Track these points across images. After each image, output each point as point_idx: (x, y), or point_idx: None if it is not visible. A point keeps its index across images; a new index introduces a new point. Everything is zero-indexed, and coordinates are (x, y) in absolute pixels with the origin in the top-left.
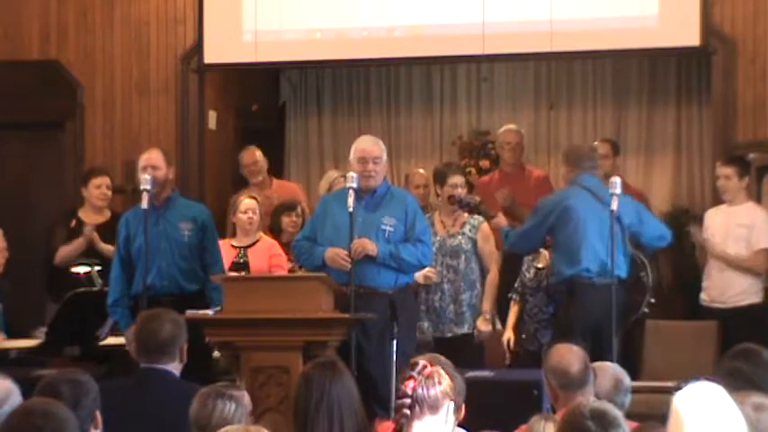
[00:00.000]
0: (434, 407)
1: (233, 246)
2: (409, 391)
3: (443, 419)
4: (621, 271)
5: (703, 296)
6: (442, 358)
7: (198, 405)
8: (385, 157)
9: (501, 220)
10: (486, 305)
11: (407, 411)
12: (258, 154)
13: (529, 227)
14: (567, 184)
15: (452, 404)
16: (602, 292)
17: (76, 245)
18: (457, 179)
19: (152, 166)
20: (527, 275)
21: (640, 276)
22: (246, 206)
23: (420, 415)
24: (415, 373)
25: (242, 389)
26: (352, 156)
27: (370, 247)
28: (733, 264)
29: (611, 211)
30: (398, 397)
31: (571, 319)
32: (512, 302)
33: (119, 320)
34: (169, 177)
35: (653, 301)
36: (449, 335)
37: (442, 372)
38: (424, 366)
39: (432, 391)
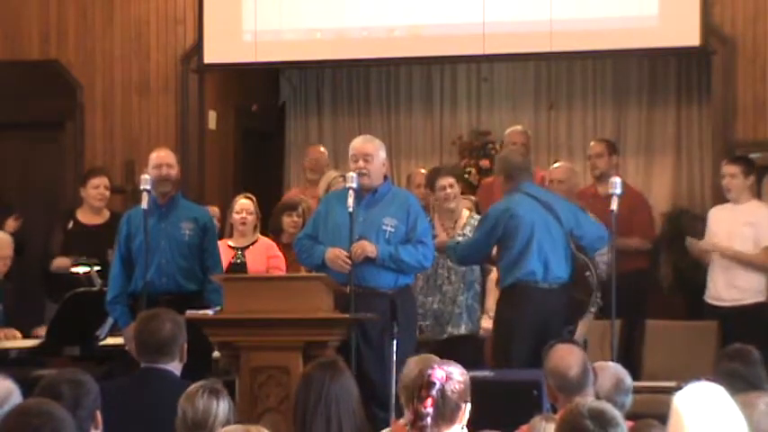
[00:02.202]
0: (452, 419)
1: (230, 246)
2: (428, 410)
3: (460, 427)
4: (564, 273)
5: (707, 294)
6: (436, 358)
7: (192, 403)
8: (381, 154)
9: (442, 237)
10: (489, 304)
11: (426, 427)
12: (323, 151)
13: (477, 238)
14: (505, 194)
15: (469, 406)
16: (547, 295)
17: (69, 262)
18: (444, 181)
19: (167, 164)
20: None
21: (585, 276)
22: (241, 206)
23: (438, 429)
24: (433, 393)
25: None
26: (349, 156)
27: (369, 249)
28: (741, 260)
29: (612, 210)
30: (417, 416)
31: (515, 324)
32: None
33: (117, 318)
34: (179, 177)
35: (600, 300)
36: (444, 336)
37: (455, 376)
38: (440, 380)
39: (449, 405)
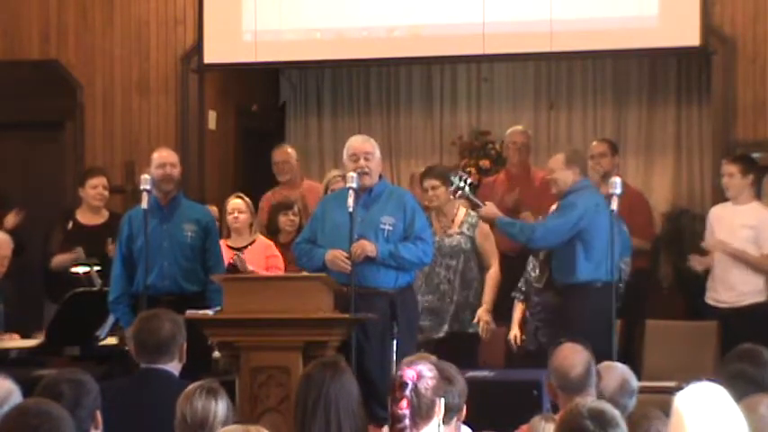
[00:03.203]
0: (429, 415)
1: (229, 247)
2: (405, 411)
3: (437, 422)
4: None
5: (708, 295)
6: (433, 358)
7: (191, 404)
8: (378, 153)
9: (491, 209)
10: (487, 298)
11: (405, 428)
12: (290, 152)
13: (560, 223)
14: (568, 185)
15: (443, 400)
16: (610, 294)
17: (68, 258)
18: (427, 183)
19: (170, 163)
20: (533, 275)
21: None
22: (233, 207)
23: (417, 427)
24: (407, 393)
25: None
26: (344, 156)
27: (369, 248)
28: (745, 260)
29: (612, 210)
30: (395, 419)
31: (597, 322)
32: (515, 302)
33: (120, 318)
34: (180, 176)
35: None
36: (442, 334)
37: (425, 373)
38: (412, 380)
39: (424, 402)
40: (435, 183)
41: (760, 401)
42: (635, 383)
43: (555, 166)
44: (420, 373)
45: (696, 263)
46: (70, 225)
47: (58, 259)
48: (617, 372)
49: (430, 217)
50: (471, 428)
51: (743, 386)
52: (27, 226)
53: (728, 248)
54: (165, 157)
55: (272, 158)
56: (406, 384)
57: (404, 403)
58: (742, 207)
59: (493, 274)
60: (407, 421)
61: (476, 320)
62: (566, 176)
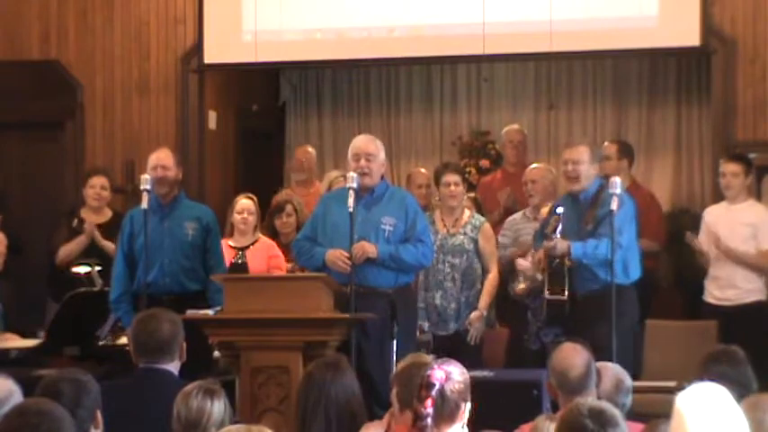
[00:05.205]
0: (452, 418)
1: (231, 246)
2: (428, 411)
3: (461, 425)
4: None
5: (707, 294)
6: (426, 357)
7: (186, 403)
8: (381, 155)
9: (562, 243)
10: (483, 302)
11: (426, 427)
12: (311, 151)
13: (634, 237)
14: (590, 182)
15: (469, 404)
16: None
17: (78, 242)
18: (449, 178)
19: (162, 166)
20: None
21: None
22: (242, 206)
23: (439, 428)
24: (433, 393)
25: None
26: (348, 155)
27: (370, 250)
28: (741, 260)
29: (611, 210)
30: (417, 416)
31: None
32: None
33: (122, 317)
34: (178, 178)
35: None
36: (442, 333)
37: (454, 376)
38: (440, 381)
39: (448, 405)
40: (457, 179)
41: (760, 401)
42: (629, 382)
43: (582, 158)
44: (449, 375)
45: (693, 240)
46: (75, 223)
47: (66, 249)
48: (610, 371)
49: (432, 215)
50: (469, 429)
51: (726, 387)
52: (27, 226)
53: (726, 250)
54: (158, 159)
55: (294, 156)
56: (433, 385)
57: (428, 402)
58: (740, 205)
59: (492, 278)
60: (430, 421)
61: (467, 323)
62: (590, 172)
